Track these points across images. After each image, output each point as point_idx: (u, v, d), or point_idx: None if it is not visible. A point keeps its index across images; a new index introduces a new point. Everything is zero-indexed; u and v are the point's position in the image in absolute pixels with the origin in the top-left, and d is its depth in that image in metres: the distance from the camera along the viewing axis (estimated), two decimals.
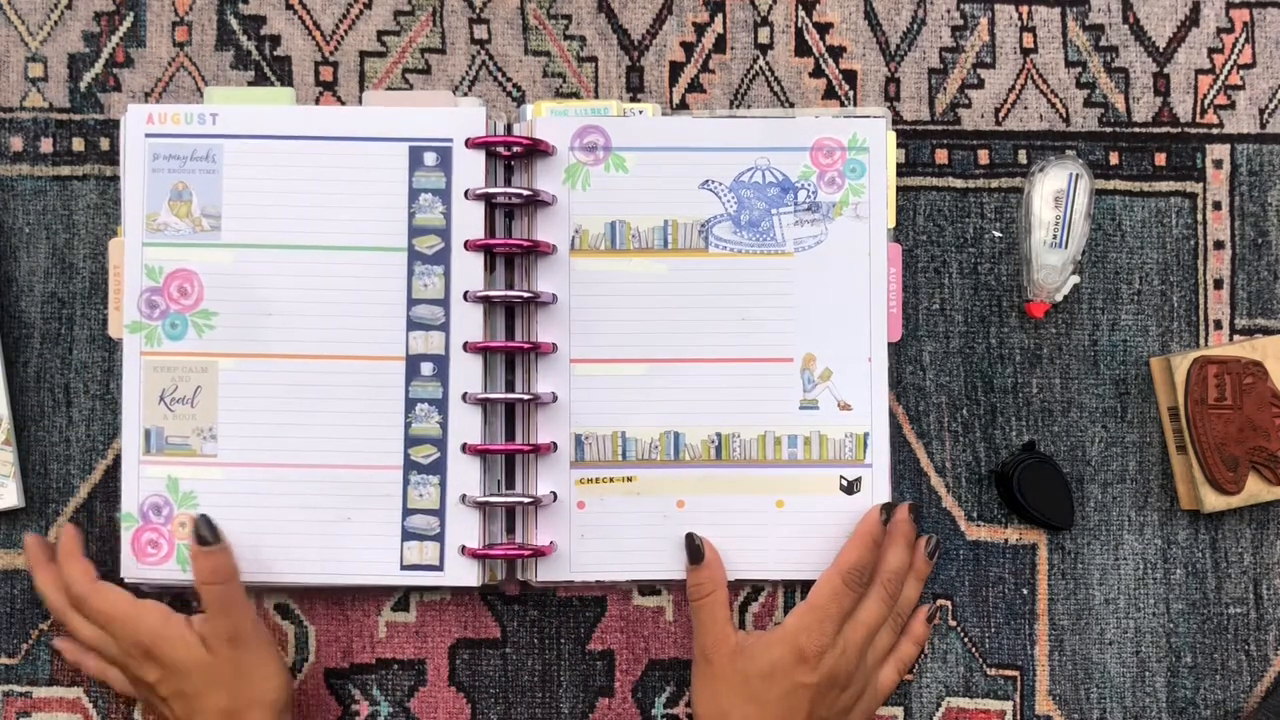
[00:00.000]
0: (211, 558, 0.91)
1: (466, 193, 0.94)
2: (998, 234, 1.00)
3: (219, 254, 0.95)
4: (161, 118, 0.95)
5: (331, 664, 0.99)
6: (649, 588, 0.99)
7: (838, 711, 0.92)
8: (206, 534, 0.91)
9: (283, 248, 0.95)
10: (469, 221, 0.95)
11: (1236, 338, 1.01)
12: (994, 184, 1.00)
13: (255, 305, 0.95)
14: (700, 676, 0.94)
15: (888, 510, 0.95)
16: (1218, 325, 1.01)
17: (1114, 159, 1.01)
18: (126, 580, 0.95)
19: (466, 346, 0.94)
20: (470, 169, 0.95)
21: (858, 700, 0.94)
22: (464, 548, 0.94)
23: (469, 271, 0.95)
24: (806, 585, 0.99)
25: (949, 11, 1.01)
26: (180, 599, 0.96)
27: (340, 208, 0.95)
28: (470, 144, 0.94)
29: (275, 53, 1.00)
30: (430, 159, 0.94)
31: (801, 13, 1.01)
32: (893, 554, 0.95)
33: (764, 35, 1.01)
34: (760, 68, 1.01)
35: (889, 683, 0.97)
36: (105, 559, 0.97)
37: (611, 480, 0.96)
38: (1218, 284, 1.01)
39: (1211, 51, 1.01)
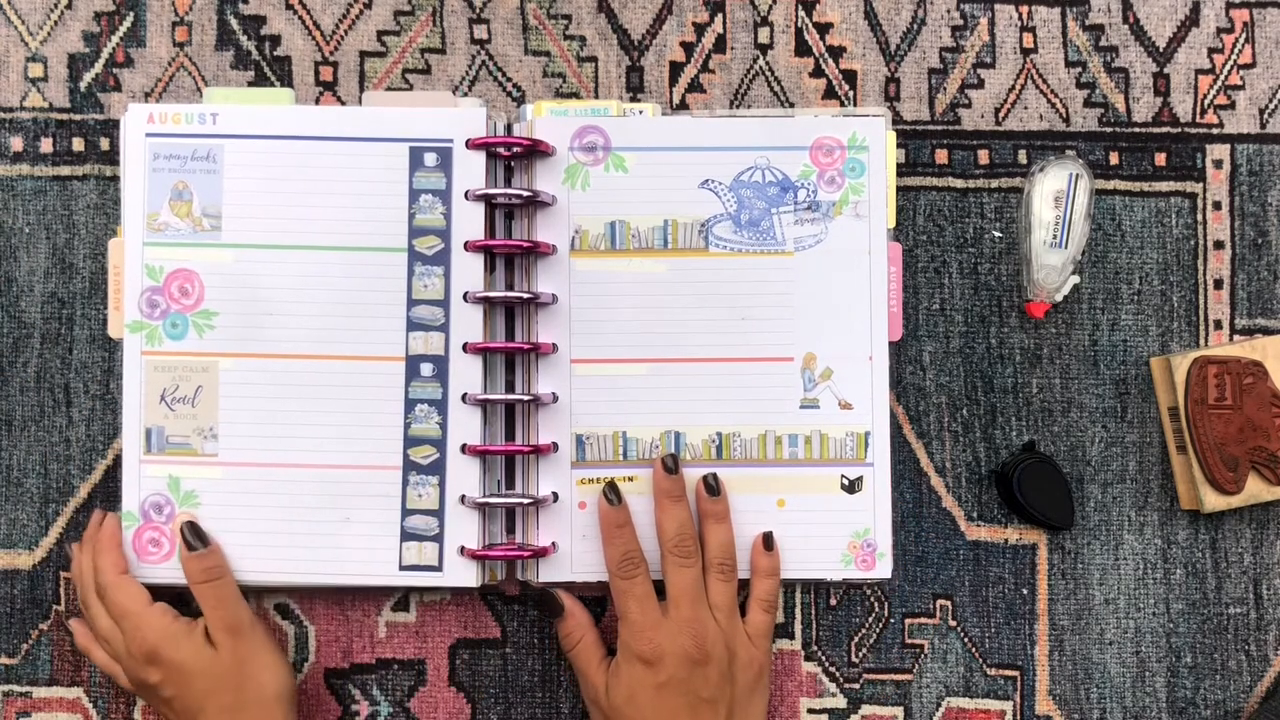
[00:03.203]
0: (202, 559, 0.93)
1: (467, 193, 0.94)
2: (998, 234, 1.00)
3: (219, 254, 0.95)
4: (162, 117, 0.95)
5: (331, 664, 0.99)
6: None
7: (718, 685, 0.91)
8: (194, 540, 0.93)
9: (283, 248, 0.95)
10: (469, 222, 0.95)
11: (1236, 338, 1.01)
12: (994, 184, 1.00)
13: (256, 305, 0.95)
14: None
15: (673, 461, 0.95)
16: (1218, 325, 1.01)
17: (1114, 159, 1.01)
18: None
19: (466, 347, 0.94)
20: (470, 170, 0.95)
21: (734, 661, 0.92)
22: (463, 548, 0.94)
23: (469, 272, 0.94)
24: (807, 585, 0.99)
25: (949, 11, 1.01)
26: (183, 599, 0.96)
27: (340, 208, 0.95)
28: (471, 145, 0.94)
29: (275, 53, 1.00)
30: (430, 159, 0.94)
31: (801, 13, 1.01)
32: (665, 518, 0.94)
33: (764, 35, 1.01)
34: (760, 68, 1.01)
35: (760, 623, 0.95)
36: None
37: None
38: (1218, 284, 1.01)
39: (1211, 51, 1.01)
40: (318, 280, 0.95)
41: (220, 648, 0.91)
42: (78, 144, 0.99)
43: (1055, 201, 0.96)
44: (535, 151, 0.95)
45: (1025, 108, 1.01)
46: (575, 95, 1.01)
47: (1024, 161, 1.01)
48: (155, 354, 0.95)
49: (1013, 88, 1.01)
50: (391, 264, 0.95)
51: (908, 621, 1.00)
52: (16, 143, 0.99)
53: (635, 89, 1.01)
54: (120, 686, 0.95)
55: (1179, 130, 1.01)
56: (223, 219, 0.95)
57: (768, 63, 1.01)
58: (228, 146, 0.95)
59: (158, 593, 0.94)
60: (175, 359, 0.95)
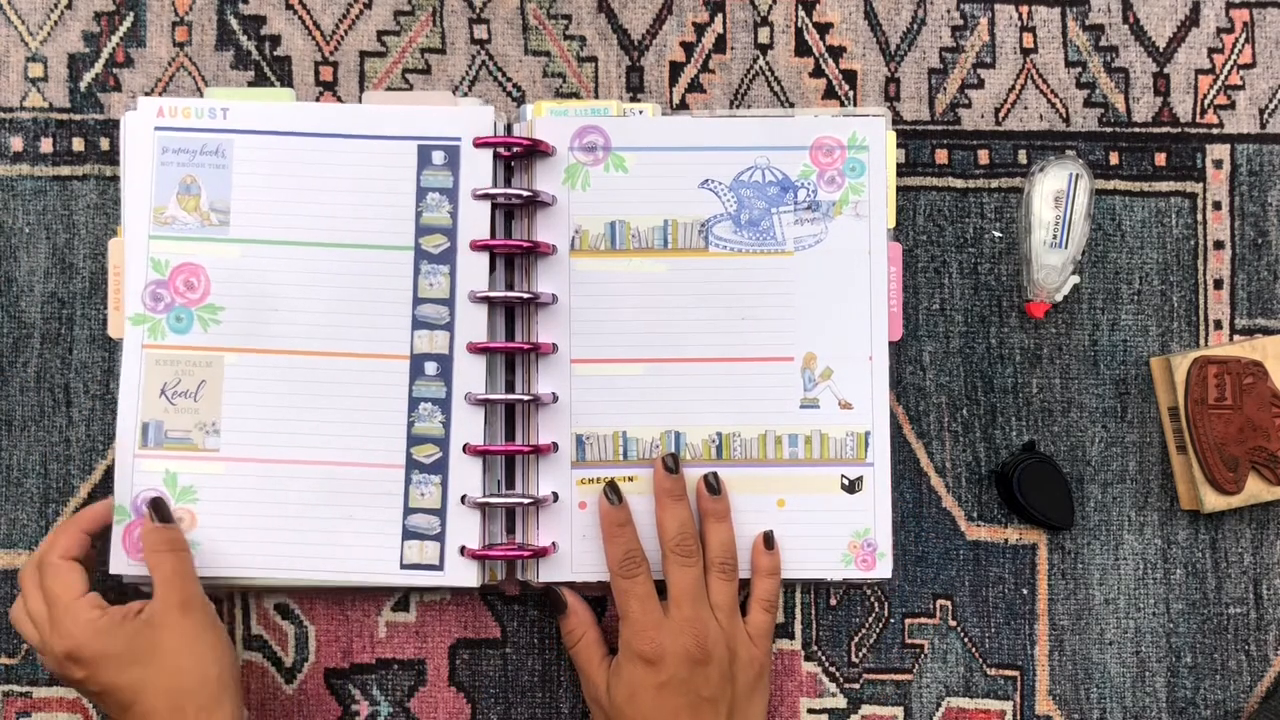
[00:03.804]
0: (165, 531, 0.91)
1: (473, 192, 0.94)
2: (998, 234, 1.00)
3: (226, 249, 0.95)
4: (171, 111, 0.95)
5: (331, 664, 0.99)
6: None
7: (719, 684, 0.91)
8: (165, 513, 0.92)
9: (291, 244, 0.95)
10: (475, 221, 0.95)
11: (1236, 338, 1.01)
12: (994, 184, 1.01)
13: (262, 301, 0.95)
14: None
15: (673, 460, 0.96)
16: (1218, 325, 1.01)
17: (1114, 159, 1.01)
18: (114, 574, 0.94)
19: (470, 347, 0.94)
20: (478, 168, 0.95)
21: (734, 660, 0.92)
22: (464, 548, 0.94)
23: (474, 271, 0.95)
24: (807, 585, 0.99)
25: (949, 11, 1.01)
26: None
27: (348, 205, 0.95)
28: (477, 144, 0.94)
29: (275, 53, 1.00)
30: (438, 158, 0.94)
31: (801, 13, 1.01)
32: (666, 518, 0.94)
33: (764, 35, 1.01)
34: (760, 68, 1.01)
35: (761, 623, 0.95)
36: (103, 556, 0.97)
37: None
38: (1218, 284, 1.01)
39: (1211, 51, 1.02)
40: (324, 277, 0.95)
41: (163, 628, 0.88)
42: (78, 144, 0.99)
43: (1055, 201, 0.96)
44: (535, 151, 0.95)
45: (1025, 108, 1.01)
46: (575, 95, 1.01)
47: (1024, 161, 1.01)
48: (157, 347, 0.95)
49: (1013, 88, 1.01)
50: (398, 262, 0.95)
51: (908, 621, 1.00)
52: (16, 143, 0.99)
53: (635, 89, 1.01)
54: None
55: (1179, 130, 1.01)
56: (231, 214, 0.95)
57: (768, 63, 1.01)
58: (237, 141, 0.95)
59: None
60: (178, 353, 0.95)
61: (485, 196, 0.94)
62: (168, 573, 0.90)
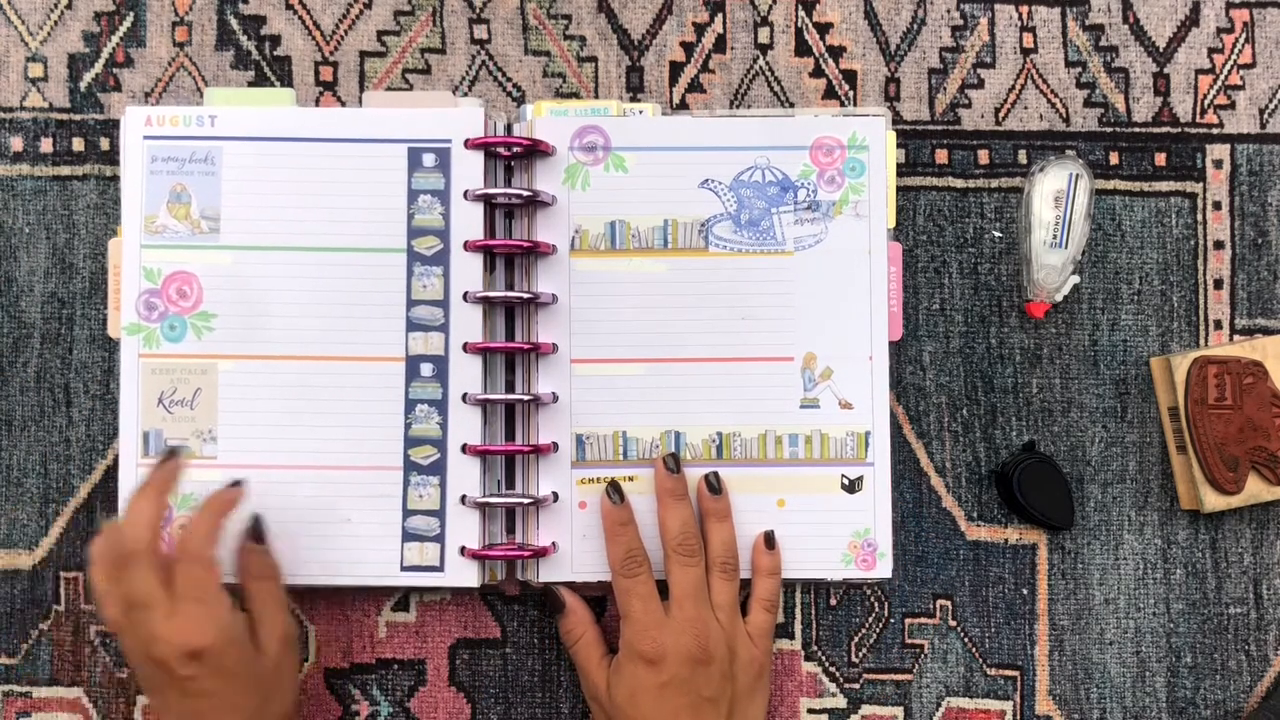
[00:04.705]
0: (266, 555, 0.91)
1: (465, 193, 0.94)
2: (998, 234, 1.00)
3: (218, 256, 0.95)
4: (160, 120, 0.95)
5: (331, 664, 0.99)
6: None
7: (720, 684, 0.91)
8: (260, 533, 0.92)
9: (282, 249, 0.95)
10: (468, 222, 0.95)
11: (1236, 338, 1.01)
12: (994, 184, 1.00)
13: (254, 307, 0.95)
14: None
15: (674, 460, 0.96)
16: (1218, 325, 1.01)
17: (1114, 159, 1.01)
18: None
19: (466, 347, 0.94)
20: (469, 170, 0.95)
21: (735, 660, 0.92)
22: (464, 548, 0.94)
23: (468, 272, 0.95)
24: (807, 585, 0.99)
25: (949, 11, 1.01)
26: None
27: (339, 209, 0.95)
28: (469, 145, 0.94)
29: (275, 53, 1.00)
30: (429, 160, 0.95)
31: (801, 13, 1.01)
32: (668, 517, 0.94)
33: (764, 35, 1.01)
34: (760, 68, 1.01)
35: (761, 623, 0.95)
36: None
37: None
38: (1218, 284, 1.01)
39: (1211, 51, 1.01)
40: (316, 281, 0.95)
41: (266, 657, 0.88)
42: (78, 144, 0.99)
43: (1055, 201, 0.96)
44: (535, 151, 0.95)
45: (1025, 108, 1.01)
46: (575, 95, 1.01)
47: (1024, 161, 1.00)
48: (153, 356, 0.95)
49: (1013, 88, 1.01)
50: (390, 264, 0.95)
51: (908, 621, 1.00)
52: (16, 143, 0.99)
53: (635, 89, 1.01)
54: (121, 684, 0.94)
55: (1179, 130, 1.01)
56: (221, 221, 0.95)
57: (768, 63, 1.01)
58: (226, 148, 0.95)
59: None
60: (173, 361, 0.95)
61: (480, 197, 0.94)
62: (270, 603, 0.90)
